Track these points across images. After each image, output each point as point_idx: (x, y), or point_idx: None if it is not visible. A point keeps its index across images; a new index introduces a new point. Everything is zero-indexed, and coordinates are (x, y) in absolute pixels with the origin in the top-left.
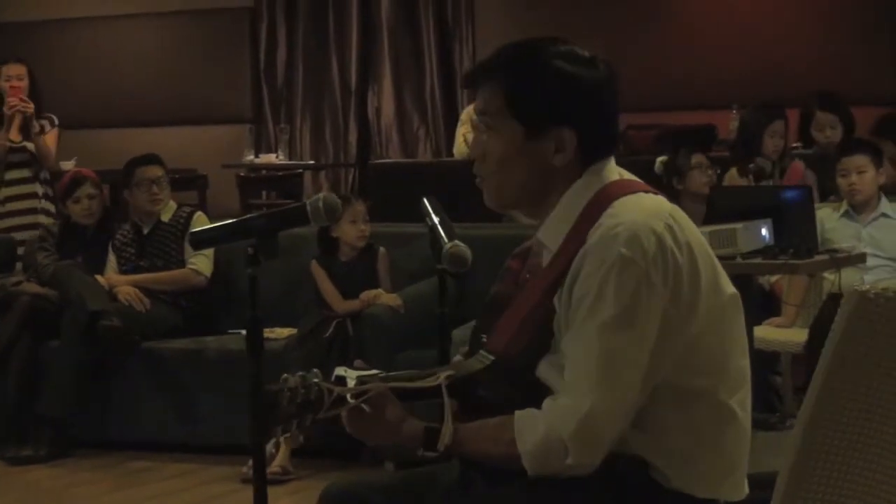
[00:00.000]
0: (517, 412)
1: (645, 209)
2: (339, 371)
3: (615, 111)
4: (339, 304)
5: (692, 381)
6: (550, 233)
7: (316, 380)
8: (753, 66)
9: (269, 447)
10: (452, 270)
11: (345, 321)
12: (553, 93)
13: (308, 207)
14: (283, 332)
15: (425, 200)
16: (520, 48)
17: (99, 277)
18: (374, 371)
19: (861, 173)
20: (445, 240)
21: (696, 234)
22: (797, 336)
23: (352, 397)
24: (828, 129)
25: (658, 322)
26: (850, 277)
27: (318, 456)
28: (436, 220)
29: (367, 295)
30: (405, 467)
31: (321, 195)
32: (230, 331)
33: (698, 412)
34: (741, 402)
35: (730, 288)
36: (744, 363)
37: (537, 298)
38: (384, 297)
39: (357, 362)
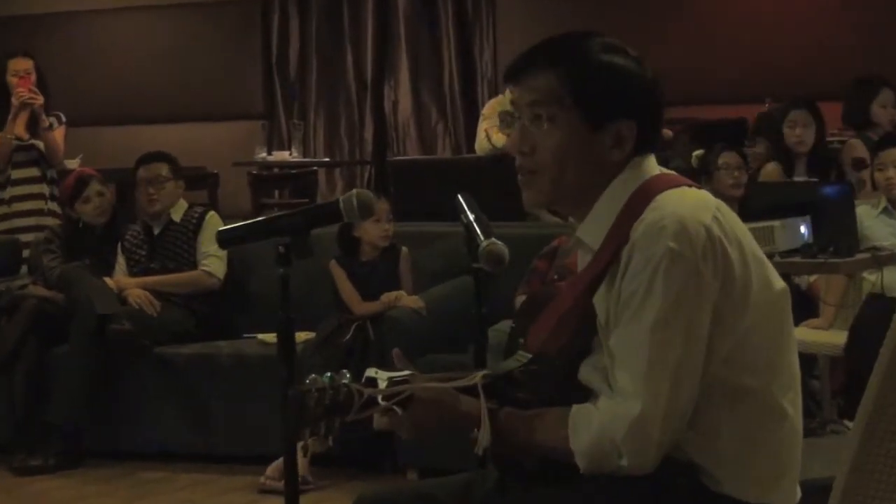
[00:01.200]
0: (574, 406)
1: (690, 202)
2: (370, 372)
3: (662, 108)
4: (359, 307)
5: (743, 379)
6: (591, 230)
7: (345, 381)
8: (785, 56)
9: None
10: (489, 269)
11: (365, 324)
12: (617, 85)
13: (342, 204)
14: (301, 336)
15: (460, 197)
16: (576, 39)
17: (108, 280)
18: (407, 371)
19: None
20: (482, 237)
21: (742, 228)
22: (836, 338)
23: (383, 399)
24: (890, 107)
25: (709, 317)
26: (890, 277)
27: (337, 465)
28: (471, 217)
29: (387, 297)
30: (429, 475)
31: (355, 191)
32: (245, 335)
33: (749, 411)
34: (792, 402)
35: (779, 282)
36: (794, 360)
37: (576, 296)
38: (406, 300)
39: (395, 351)
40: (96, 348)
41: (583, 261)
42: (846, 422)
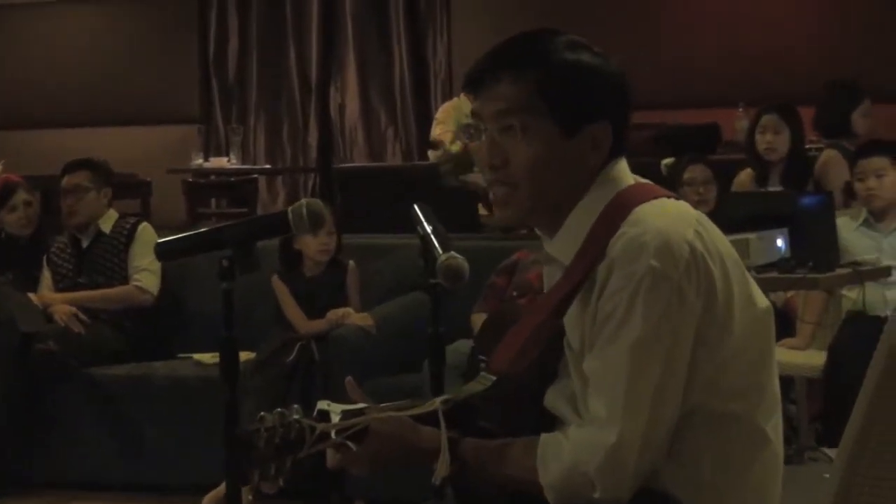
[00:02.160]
0: (543, 436)
1: (672, 215)
2: (322, 405)
3: (631, 108)
4: (303, 325)
5: (726, 405)
6: (562, 245)
7: (296, 416)
8: (761, 61)
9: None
10: (448, 285)
11: (309, 344)
12: (588, 85)
13: (290, 215)
14: (241, 356)
15: (416, 207)
16: (538, 39)
17: (32, 295)
18: (362, 404)
19: (879, 177)
20: (440, 251)
21: (724, 242)
22: (814, 359)
23: (336, 434)
24: (870, 116)
25: (691, 338)
26: (872, 294)
27: (283, 497)
28: (428, 228)
29: (334, 314)
30: None
31: (304, 200)
32: (180, 355)
33: (732, 439)
34: (775, 428)
35: (763, 300)
36: (776, 383)
37: (545, 315)
38: (353, 317)
39: (348, 380)
40: (19, 369)
41: (552, 277)
42: (825, 449)
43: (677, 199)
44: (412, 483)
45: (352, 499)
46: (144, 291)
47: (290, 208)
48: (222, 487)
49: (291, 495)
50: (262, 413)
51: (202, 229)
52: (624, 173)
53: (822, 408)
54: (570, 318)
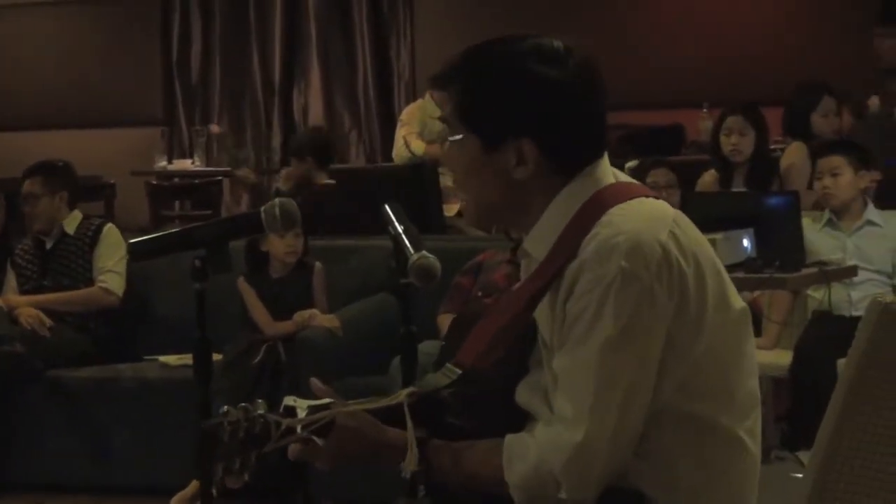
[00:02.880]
0: (508, 436)
1: (647, 216)
2: (288, 400)
3: (594, 109)
4: (270, 326)
5: (696, 406)
6: (536, 241)
7: (261, 411)
8: (725, 61)
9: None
10: (420, 284)
11: (276, 345)
12: (509, 101)
13: (263, 215)
14: None
15: (387, 207)
16: (478, 50)
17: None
18: (328, 399)
19: (835, 175)
20: (411, 250)
21: (702, 242)
22: (780, 359)
23: (302, 428)
24: (831, 115)
25: (662, 340)
26: (837, 294)
27: (246, 497)
28: (399, 228)
29: (300, 316)
30: None
31: (277, 200)
32: (146, 357)
33: (703, 440)
34: (750, 430)
35: (738, 302)
36: (753, 385)
37: (516, 311)
38: (320, 318)
39: (313, 380)
40: None
41: (526, 273)
42: (794, 452)
43: (657, 198)
44: (378, 483)
45: (318, 499)
46: (110, 293)
47: (262, 208)
48: (189, 489)
49: (256, 496)
50: (226, 407)
51: (175, 229)
52: (602, 172)
53: (788, 407)
54: (541, 314)
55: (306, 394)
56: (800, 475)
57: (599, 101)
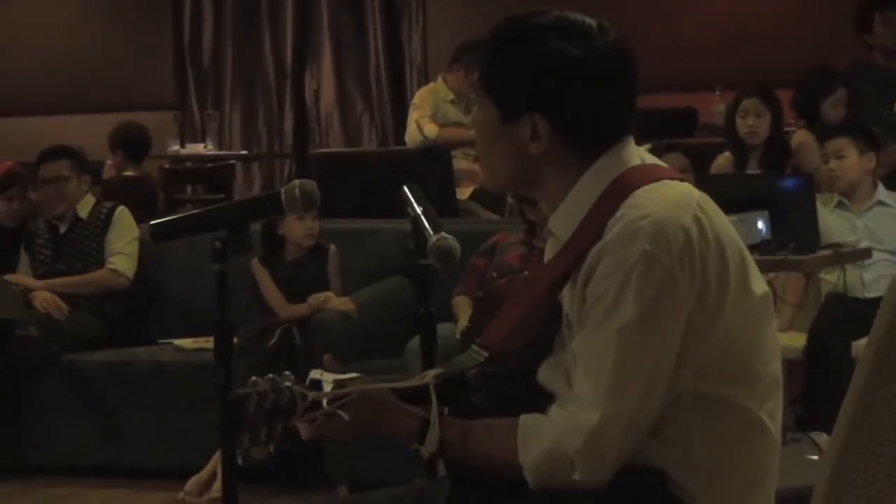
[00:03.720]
0: (523, 417)
1: (671, 199)
2: (314, 374)
3: (618, 90)
4: (285, 310)
5: (717, 389)
6: (561, 222)
7: (288, 383)
8: (737, 43)
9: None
10: (439, 265)
11: (291, 328)
12: (527, 76)
13: (283, 195)
14: None
15: (406, 188)
16: (505, 23)
17: (10, 277)
18: (353, 374)
19: (840, 158)
20: (430, 232)
21: (726, 227)
22: (794, 341)
23: (328, 402)
24: (840, 106)
25: (682, 325)
26: (849, 276)
27: (262, 480)
28: (418, 209)
29: (315, 299)
30: (359, 490)
31: (297, 181)
32: (161, 340)
33: (724, 422)
34: (771, 413)
35: (761, 286)
36: (774, 368)
37: (542, 293)
38: (334, 301)
39: (326, 357)
40: None
41: (552, 252)
42: (809, 433)
43: (682, 180)
44: (394, 466)
45: (333, 483)
46: (119, 274)
47: (283, 189)
48: (205, 471)
49: (271, 478)
50: (254, 378)
51: (196, 211)
52: (629, 154)
53: (802, 390)
54: (566, 295)
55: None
56: (815, 457)
57: (626, 81)
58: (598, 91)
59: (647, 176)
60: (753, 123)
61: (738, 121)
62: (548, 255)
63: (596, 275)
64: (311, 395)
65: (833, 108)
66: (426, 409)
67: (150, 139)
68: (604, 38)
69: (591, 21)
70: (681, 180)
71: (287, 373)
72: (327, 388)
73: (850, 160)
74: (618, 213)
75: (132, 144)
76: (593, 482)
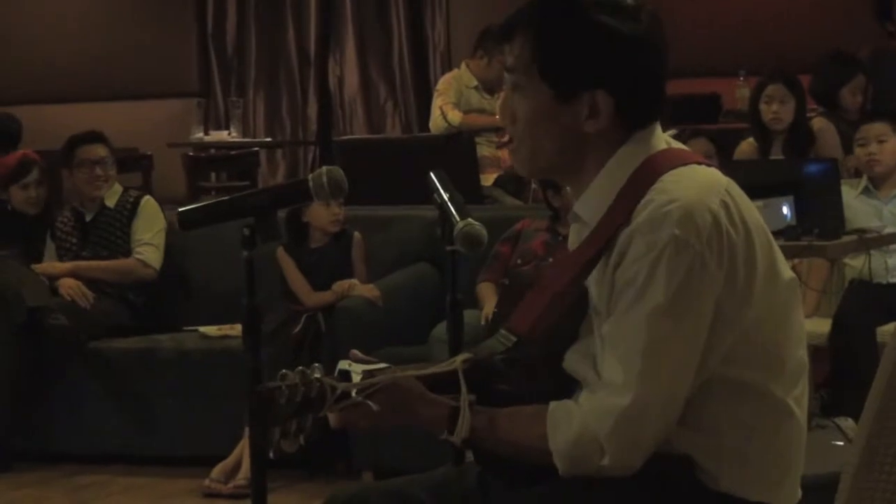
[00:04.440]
0: (552, 403)
1: (699, 184)
2: (343, 365)
3: (660, 70)
4: (309, 297)
5: (745, 375)
6: (588, 206)
7: (317, 375)
8: (760, 29)
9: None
10: (466, 251)
11: (316, 315)
12: (587, 53)
13: (311, 182)
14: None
15: (432, 175)
16: (553, 1)
17: (36, 267)
18: (382, 364)
19: (882, 142)
20: (457, 218)
21: (752, 212)
22: (819, 327)
23: (357, 393)
24: (859, 94)
25: (711, 310)
26: (873, 261)
27: (288, 466)
28: (445, 196)
29: (340, 286)
30: (385, 476)
31: (325, 168)
32: (186, 328)
33: (752, 408)
34: (798, 399)
35: (787, 272)
36: (801, 354)
37: (570, 277)
38: (359, 289)
39: (353, 353)
40: (25, 343)
41: (577, 237)
42: (833, 418)
43: (709, 165)
44: (419, 452)
45: (359, 469)
46: (147, 266)
47: (310, 176)
48: (231, 458)
49: (297, 464)
50: (283, 371)
51: (224, 198)
52: (656, 138)
53: (827, 375)
54: (593, 281)
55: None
56: (840, 443)
57: (665, 58)
58: (650, 66)
59: (674, 160)
60: (778, 109)
61: (763, 107)
62: (572, 240)
63: (625, 260)
64: (341, 386)
65: (852, 95)
66: (453, 398)
67: (21, 129)
68: (645, 14)
69: (629, 0)
70: (707, 165)
71: (317, 364)
72: (356, 378)
73: (891, 145)
74: (646, 198)
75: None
76: (623, 468)
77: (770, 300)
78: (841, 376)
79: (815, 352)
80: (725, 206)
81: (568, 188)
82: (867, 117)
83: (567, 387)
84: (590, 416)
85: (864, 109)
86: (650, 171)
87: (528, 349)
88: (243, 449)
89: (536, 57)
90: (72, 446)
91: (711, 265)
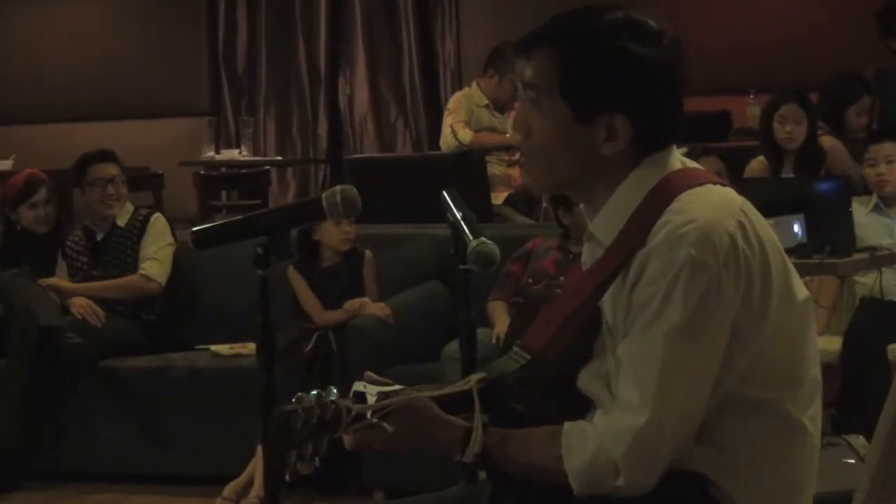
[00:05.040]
0: (567, 424)
1: (715, 204)
2: (358, 386)
3: (679, 95)
4: (321, 316)
5: (761, 393)
6: (604, 225)
7: (332, 397)
8: (772, 45)
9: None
10: (479, 270)
11: (327, 334)
12: (609, 77)
13: (324, 201)
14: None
15: (445, 194)
16: (580, 19)
17: (43, 281)
18: (397, 386)
19: (890, 162)
20: (470, 237)
21: (768, 232)
22: (829, 344)
23: (372, 414)
24: (863, 114)
25: (727, 330)
26: (887, 279)
27: (299, 485)
28: (458, 215)
29: (351, 304)
30: (396, 496)
31: (339, 187)
32: (197, 346)
33: (767, 426)
34: (812, 418)
35: (802, 291)
36: (815, 373)
37: (584, 297)
38: (371, 307)
39: (367, 375)
40: (37, 362)
41: (591, 256)
42: (844, 436)
43: (724, 185)
44: (430, 472)
45: (370, 488)
46: (150, 280)
47: (324, 195)
48: (242, 477)
49: (308, 483)
50: (299, 393)
51: (238, 217)
52: (672, 158)
53: (837, 393)
54: (608, 301)
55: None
56: (852, 460)
57: (685, 83)
58: (670, 91)
59: (690, 180)
60: (791, 129)
61: (776, 126)
62: (586, 259)
63: (642, 281)
64: (356, 407)
65: (857, 115)
66: (467, 418)
67: None
68: (667, 40)
69: (653, 21)
70: (722, 185)
71: (332, 387)
72: (371, 400)
73: None
74: (662, 219)
75: None
76: (638, 488)
77: (786, 320)
78: (851, 394)
79: (825, 369)
80: (742, 226)
81: (582, 205)
82: (875, 137)
83: (580, 406)
84: (605, 437)
85: (869, 128)
86: (666, 191)
87: (542, 368)
88: (255, 467)
89: (559, 76)
90: (83, 464)
91: (728, 286)
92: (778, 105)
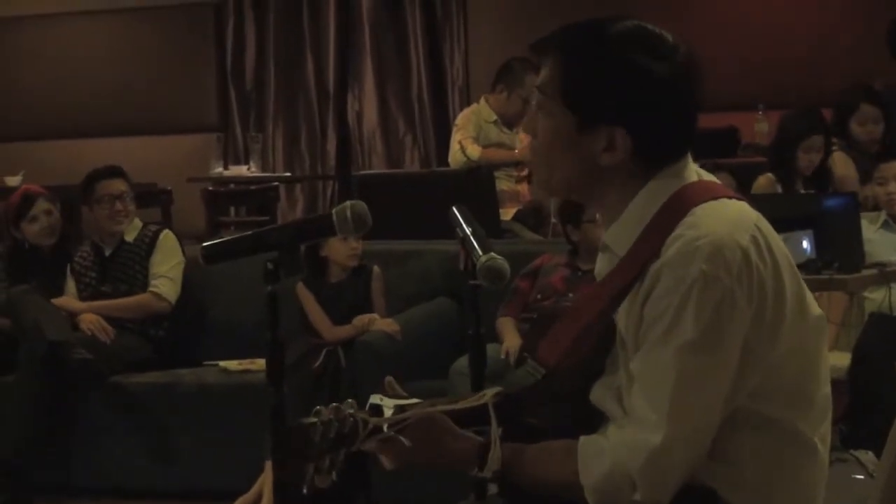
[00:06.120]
0: (582, 438)
1: (729, 219)
2: (375, 399)
3: (689, 107)
4: (329, 332)
5: (774, 412)
6: (618, 236)
7: (351, 411)
8: (781, 61)
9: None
10: (489, 286)
11: (335, 350)
12: (612, 89)
13: (334, 217)
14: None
15: (455, 210)
16: (588, 28)
17: (54, 301)
18: (414, 399)
19: None
20: (480, 252)
21: (781, 248)
22: (839, 360)
23: (388, 427)
24: (870, 124)
25: (740, 345)
26: (893, 295)
27: (308, 500)
28: (468, 230)
29: (360, 320)
30: None
31: (349, 203)
32: (206, 362)
33: (777, 443)
34: (823, 437)
35: (816, 308)
36: (826, 391)
37: (598, 310)
38: (379, 323)
39: (388, 380)
40: (46, 378)
41: (605, 266)
42: (853, 451)
43: (739, 199)
44: (441, 486)
45: (380, 502)
46: (161, 299)
47: (334, 210)
48: (251, 493)
49: (317, 498)
50: (318, 407)
51: (248, 232)
52: (687, 171)
53: (846, 408)
54: (621, 314)
55: (365, 399)
56: (861, 476)
57: (697, 98)
58: (676, 108)
59: (704, 193)
60: (815, 158)
61: (801, 154)
62: (600, 269)
63: (654, 294)
64: (373, 420)
65: (860, 125)
66: (477, 432)
67: None
68: (680, 55)
69: (668, 35)
70: (738, 199)
71: (350, 400)
72: (388, 413)
73: None
74: (676, 232)
75: None
76: (653, 503)
77: (799, 336)
78: (860, 409)
79: (833, 385)
80: (755, 241)
81: (598, 216)
82: (884, 156)
83: (593, 420)
84: (621, 451)
85: (883, 143)
86: (680, 203)
87: (556, 382)
88: (263, 483)
89: (563, 84)
90: (92, 480)
91: (741, 301)
92: (805, 136)
